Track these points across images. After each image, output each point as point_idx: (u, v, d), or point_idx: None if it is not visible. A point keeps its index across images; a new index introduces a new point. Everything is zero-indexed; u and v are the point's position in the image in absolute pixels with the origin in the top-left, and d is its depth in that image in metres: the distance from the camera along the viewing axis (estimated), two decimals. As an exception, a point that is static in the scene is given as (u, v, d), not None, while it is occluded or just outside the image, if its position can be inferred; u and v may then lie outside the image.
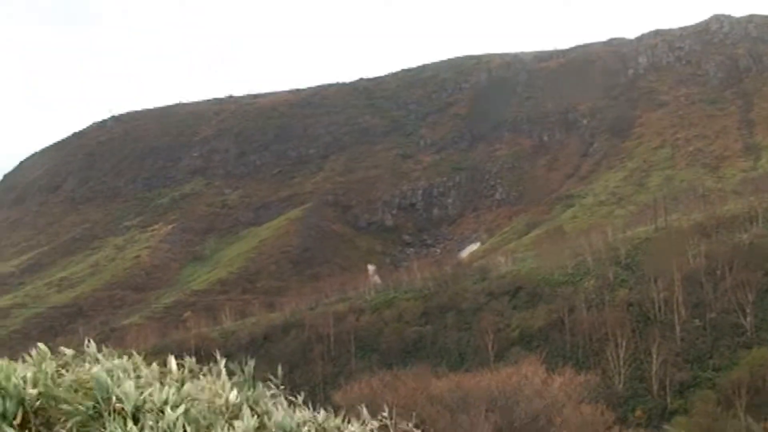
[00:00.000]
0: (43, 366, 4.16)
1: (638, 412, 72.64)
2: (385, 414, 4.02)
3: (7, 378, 3.67)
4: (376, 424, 3.92)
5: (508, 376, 44.01)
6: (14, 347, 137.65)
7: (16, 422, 3.40)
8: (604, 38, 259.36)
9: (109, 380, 3.47)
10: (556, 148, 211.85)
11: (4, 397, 3.55)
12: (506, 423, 37.96)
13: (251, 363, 4.17)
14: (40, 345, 4.77)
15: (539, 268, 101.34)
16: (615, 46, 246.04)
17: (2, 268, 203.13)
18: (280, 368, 4.06)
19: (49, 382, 3.79)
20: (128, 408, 3.34)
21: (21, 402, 3.58)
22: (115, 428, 3.15)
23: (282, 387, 4.00)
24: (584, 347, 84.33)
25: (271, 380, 4.03)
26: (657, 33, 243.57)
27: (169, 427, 3.16)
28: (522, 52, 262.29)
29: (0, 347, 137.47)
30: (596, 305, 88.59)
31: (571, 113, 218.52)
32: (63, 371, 4.22)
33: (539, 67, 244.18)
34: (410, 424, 3.94)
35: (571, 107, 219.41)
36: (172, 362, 4.23)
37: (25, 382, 3.73)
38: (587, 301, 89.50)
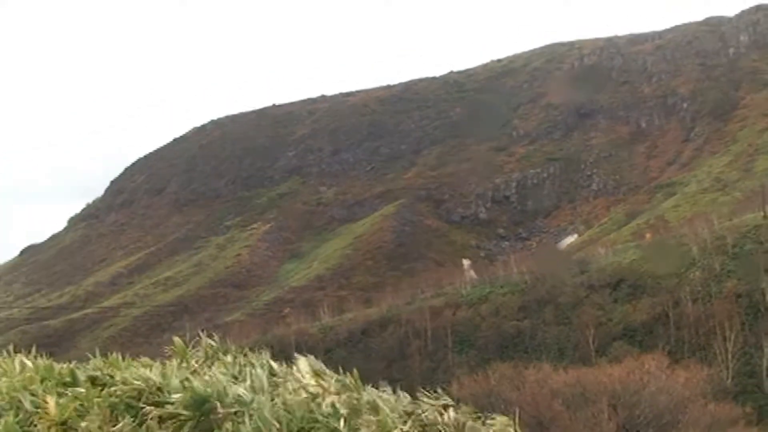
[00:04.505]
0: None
1: (748, 409, 69.83)
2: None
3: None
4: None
5: (630, 371, 42.33)
6: (124, 344, 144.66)
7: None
8: (700, 17, 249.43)
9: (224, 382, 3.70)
10: (655, 134, 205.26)
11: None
12: (629, 420, 36.50)
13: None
14: (176, 339, 5.25)
15: (642, 260, 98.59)
16: (713, 24, 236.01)
17: (112, 268, 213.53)
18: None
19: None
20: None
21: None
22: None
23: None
24: (690, 341, 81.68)
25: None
26: (758, 8, 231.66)
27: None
28: (615, 36, 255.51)
29: (111, 344, 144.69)
30: (702, 297, 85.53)
31: (670, 97, 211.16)
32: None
33: (634, 50, 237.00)
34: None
35: (669, 91, 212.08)
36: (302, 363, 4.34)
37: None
38: (693, 293, 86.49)
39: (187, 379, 3.99)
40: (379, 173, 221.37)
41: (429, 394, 3.90)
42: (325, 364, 4.46)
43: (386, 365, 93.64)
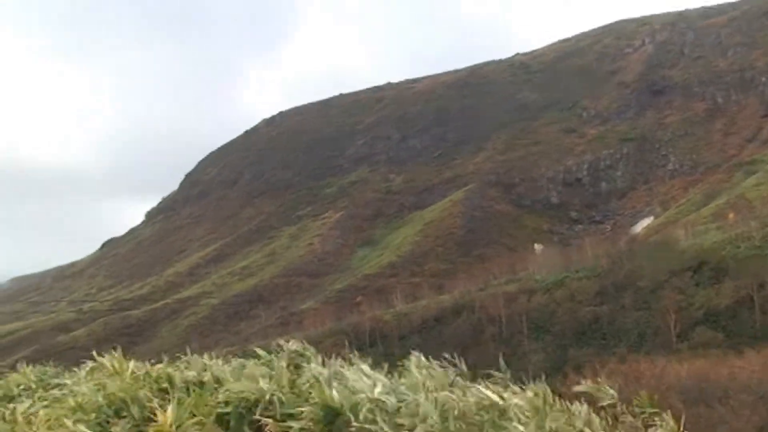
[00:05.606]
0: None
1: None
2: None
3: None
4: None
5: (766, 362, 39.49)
6: (203, 332, 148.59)
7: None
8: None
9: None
10: (733, 110, 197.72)
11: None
12: (765, 419, 33.86)
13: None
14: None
15: (723, 241, 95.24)
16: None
17: (190, 260, 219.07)
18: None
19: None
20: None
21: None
22: None
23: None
24: (777, 325, 78.55)
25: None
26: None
27: None
28: (687, 10, 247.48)
29: (191, 333, 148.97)
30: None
31: (748, 71, 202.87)
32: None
33: (707, 24, 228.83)
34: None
35: (746, 65, 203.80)
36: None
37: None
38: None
39: (315, 385, 3.75)
40: (447, 159, 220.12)
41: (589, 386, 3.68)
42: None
43: (461, 352, 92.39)
